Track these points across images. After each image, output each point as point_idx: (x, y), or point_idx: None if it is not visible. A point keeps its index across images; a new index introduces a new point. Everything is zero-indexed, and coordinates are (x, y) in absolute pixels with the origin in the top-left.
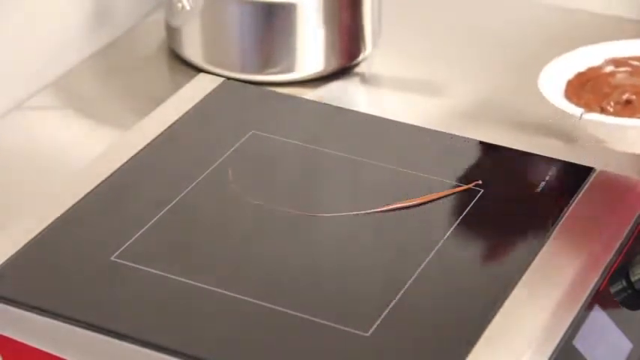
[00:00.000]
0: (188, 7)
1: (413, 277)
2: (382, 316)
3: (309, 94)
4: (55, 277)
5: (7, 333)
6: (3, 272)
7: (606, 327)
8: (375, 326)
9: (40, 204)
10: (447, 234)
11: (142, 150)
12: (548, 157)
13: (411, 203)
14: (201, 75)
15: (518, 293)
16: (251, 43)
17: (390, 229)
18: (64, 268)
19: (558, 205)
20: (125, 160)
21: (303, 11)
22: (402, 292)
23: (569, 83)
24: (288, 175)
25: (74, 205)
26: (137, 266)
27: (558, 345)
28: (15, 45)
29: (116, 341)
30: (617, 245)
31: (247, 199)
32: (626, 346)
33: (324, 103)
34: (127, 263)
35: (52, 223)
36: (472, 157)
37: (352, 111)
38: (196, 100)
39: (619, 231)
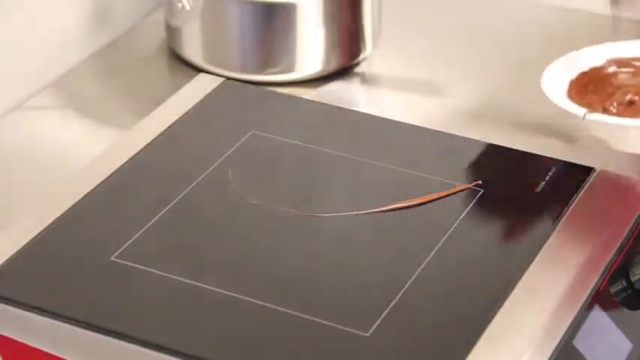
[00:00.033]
0: (188, 7)
1: (413, 277)
2: (382, 316)
3: (309, 94)
4: (55, 277)
5: (7, 333)
6: (3, 272)
7: (606, 327)
8: (375, 326)
9: (40, 204)
10: (447, 234)
11: (142, 150)
12: (548, 157)
13: (411, 203)
14: (201, 75)
15: (518, 293)
16: (251, 43)
17: (390, 229)
18: (64, 268)
19: (558, 205)
20: (125, 160)
21: (303, 11)
22: (402, 292)
23: (572, 83)
24: (288, 175)
25: (74, 205)
26: (137, 266)
27: (558, 345)
28: (15, 45)
29: (116, 341)
30: (617, 245)
31: (247, 199)
32: (626, 346)
33: (324, 103)
34: (127, 263)
35: (52, 223)
36: (472, 157)
37: (352, 111)
38: (196, 100)
39: (619, 231)
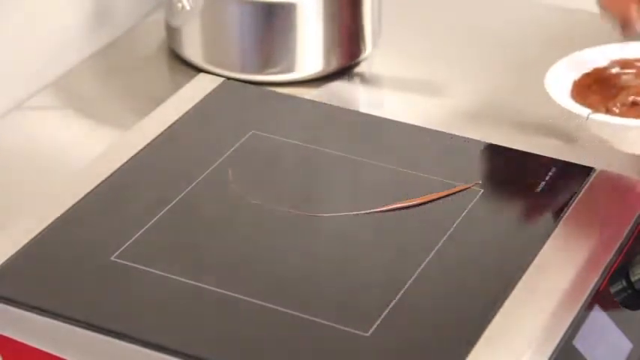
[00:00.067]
0: (188, 7)
1: (413, 277)
2: (382, 316)
3: (309, 94)
4: (55, 277)
5: (7, 333)
6: (3, 272)
7: (606, 327)
8: (375, 326)
9: (40, 204)
10: (447, 234)
11: (142, 150)
12: (548, 157)
13: (411, 203)
14: (201, 75)
15: (518, 293)
16: (251, 43)
17: (390, 229)
18: (64, 268)
19: (558, 205)
20: (125, 160)
21: (303, 11)
22: (402, 292)
23: (575, 84)
24: (288, 175)
25: (74, 205)
26: (137, 266)
27: (558, 345)
28: (15, 45)
29: (116, 341)
30: (617, 245)
31: (247, 199)
32: (626, 346)
33: (324, 103)
34: (127, 263)
35: (52, 223)
36: (472, 157)
37: (352, 111)
38: (196, 100)
39: (619, 231)
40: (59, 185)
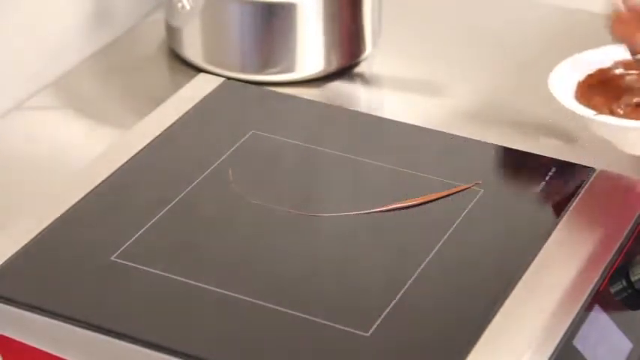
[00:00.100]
0: (188, 7)
1: (413, 277)
2: (382, 316)
3: (309, 94)
4: (55, 277)
5: (7, 333)
6: (3, 272)
7: (606, 327)
8: (375, 326)
9: (40, 204)
10: (447, 234)
11: (142, 150)
12: (548, 157)
13: (410, 203)
14: (201, 75)
15: (518, 293)
16: (251, 43)
17: (390, 229)
18: (64, 268)
19: (558, 205)
20: (125, 160)
21: (303, 11)
22: (402, 292)
23: (579, 85)
24: (288, 175)
25: (74, 205)
26: (137, 266)
27: (558, 345)
28: (15, 45)
29: (116, 341)
30: (617, 245)
31: (247, 199)
32: (626, 346)
33: (324, 103)
34: (127, 263)
35: (52, 223)
36: (472, 157)
37: (352, 111)
38: (196, 100)
39: (619, 231)
40: (59, 185)
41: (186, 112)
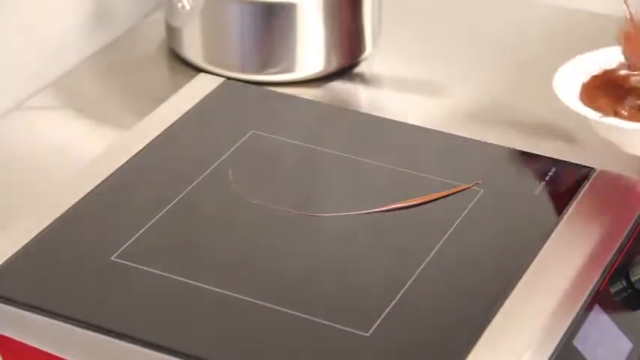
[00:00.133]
0: (188, 7)
1: (413, 277)
2: (382, 316)
3: (309, 94)
4: (55, 277)
5: (7, 333)
6: (3, 272)
7: (606, 327)
8: (375, 326)
9: (40, 204)
10: (447, 234)
11: (142, 150)
12: (548, 157)
13: (410, 203)
14: (201, 75)
15: (518, 293)
16: (251, 43)
17: (390, 229)
18: (64, 268)
19: (558, 205)
20: (125, 160)
21: (303, 11)
22: (402, 292)
23: (584, 86)
24: (288, 175)
25: (74, 205)
26: (137, 266)
27: (558, 345)
28: (15, 45)
29: (116, 341)
30: (617, 245)
31: (247, 198)
32: (626, 346)
33: (324, 103)
34: (127, 263)
35: (52, 223)
36: (472, 157)
37: (352, 111)
38: (196, 100)
39: (619, 231)
40: (59, 185)
41: (186, 112)
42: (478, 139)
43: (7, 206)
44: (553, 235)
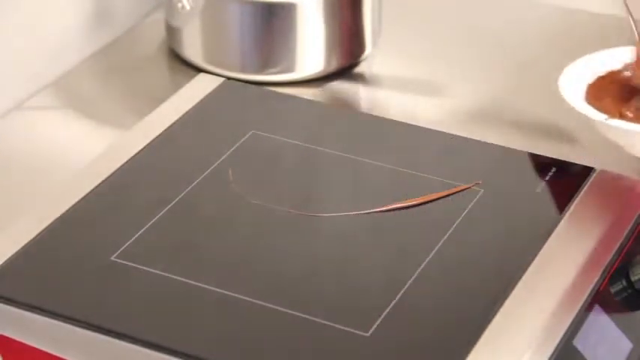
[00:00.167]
0: (188, 7)
1: (413, 277)
2: (382, 316)
3: (309, 94)
4: (55, 277)
5: (7, 333)
6: (3, 272)
7: (606, 327)
8: (375, 326)
9: (40, 204)
10: (447, 234)
11: (142, 150)
12: (548, 157)
13: (410, 203)
14: (201, 75)
15: (518, 293)
16: (251, 43)
17: (390, 229)
18: (64, 268)
19: (558, 205)
20: (125, 160)
21: (303, 11)
22: (402, 292)
23: (590, 87)
24: (288, 175)
25: (74, 205)
26: (137, 266)
27: (558, 345)
28: (15, 45)
29: (116, 341)
30: (617, 245)
31: (247, 198)
32: (626, 346)
33: (324, 103)
34: (127, 263)
35: (52, 223)
36: (472, 157)
37: (352, 111)
38: (196, 100)
39: (619, 231)
40: (59, 185)
41: (186, 112)
42: (478, 139)
43: (7, 206)
44: (553, 235)
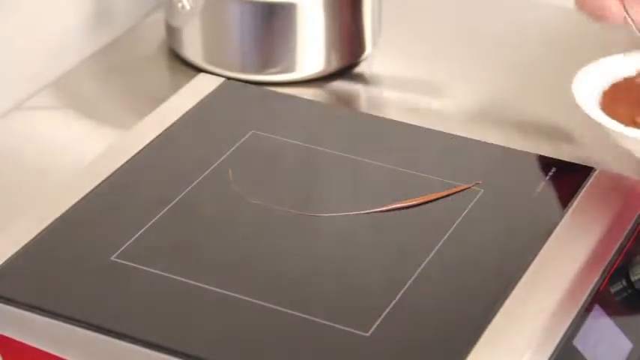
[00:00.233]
0: (188, 7)
1: (413, 277)
2: (382, 316)
3: (309, 94)
4: (55, 277)
5: (7, 333)
6: (3, 272)
7: (606, 327)
8: (375, 326)
9: (40, 204)
10: (447, 234)
11: (142, 150)
12: (548, 157)
13: (410, 203)
14: (201, 75)
15: (518, 293)
16: (251, 43)
17: (390, 229)
18: (64, 268)
19: (558, 205)
20: (125, 160)
21: (303, 11)
22: (402, 292)
23: (605, 94)
24: (288, 175)
25: (74, 205)
26: (137, 266)
27: (558, 345)
28: (15, 45)
29: (116, 341)
30: (617, 245)
31: (247, 199)
32: (626, 346)
33: (324, 103)
34: (127, 263)
35: (52, 223)
36: (472, 157)
37: (352, 111)
38: (196, 100)
39: (619, 231)
40: (59, 185)
41: (186, 112)
42: (478, 139)
43: (7, 206)
44: (553, 235)
